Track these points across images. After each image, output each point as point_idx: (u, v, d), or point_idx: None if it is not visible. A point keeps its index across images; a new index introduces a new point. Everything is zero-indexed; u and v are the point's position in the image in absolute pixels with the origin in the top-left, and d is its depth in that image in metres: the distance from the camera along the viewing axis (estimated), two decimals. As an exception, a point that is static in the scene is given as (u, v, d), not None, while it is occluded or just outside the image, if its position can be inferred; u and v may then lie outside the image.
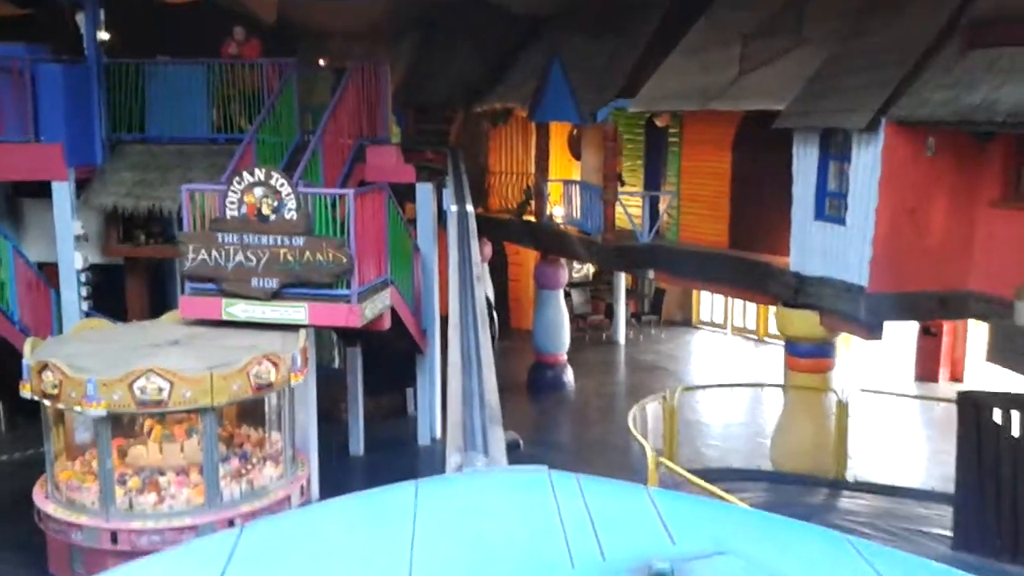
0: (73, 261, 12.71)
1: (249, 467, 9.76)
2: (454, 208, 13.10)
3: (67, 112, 12.79)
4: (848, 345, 17.11)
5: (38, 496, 9.50)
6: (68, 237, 12.68)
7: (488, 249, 18.29)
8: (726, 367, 19.28)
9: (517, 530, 3.25)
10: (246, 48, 14.08)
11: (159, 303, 14.20)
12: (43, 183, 12.68)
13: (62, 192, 12.62)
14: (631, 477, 8.94)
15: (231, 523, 8.77)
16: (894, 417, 14.80)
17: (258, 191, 10.04)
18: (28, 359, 9.25)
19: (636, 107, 13.69)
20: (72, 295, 12.70)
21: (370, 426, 14.27)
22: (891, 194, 9.70)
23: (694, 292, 22.24)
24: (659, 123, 14.30)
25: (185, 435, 9.90)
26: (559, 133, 17.28)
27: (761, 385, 16.13)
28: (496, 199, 18.40)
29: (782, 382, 12.50)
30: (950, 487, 10.38)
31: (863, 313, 10.02)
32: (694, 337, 22.02)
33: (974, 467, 9.77)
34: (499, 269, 20.68)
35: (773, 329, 18.96)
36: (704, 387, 15.92)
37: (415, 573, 2.98)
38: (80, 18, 13.03)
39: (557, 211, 16.38)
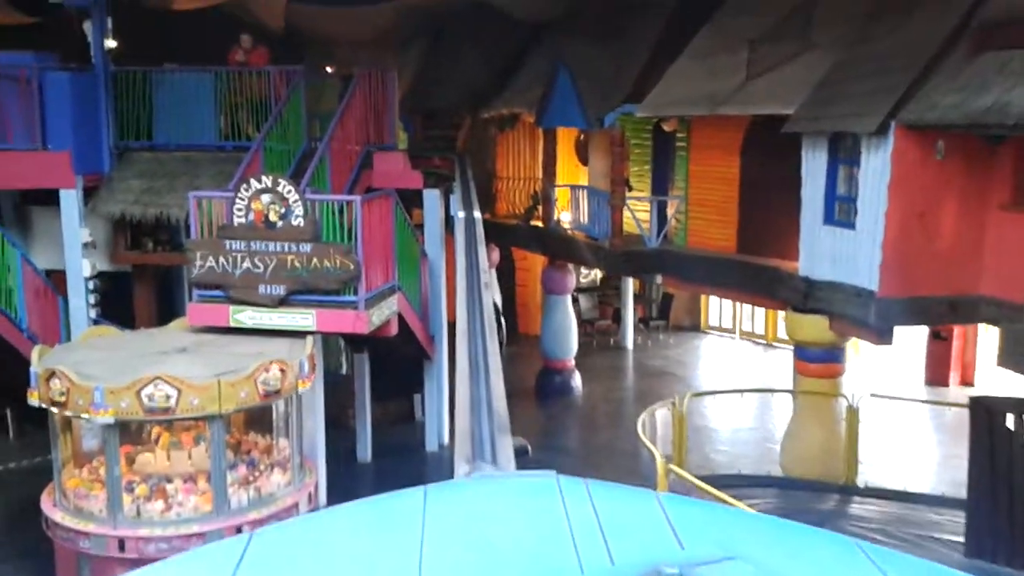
0: (81, 268, 12.73)
1: (257, 474, 9.73)
2: (461, 214, 13.09)
3: (75, 120, 12.80)
4: (857, 350, 17.05)
5: (46, 504, 9.48)
6: (76, 245, 12.70)
7: (496, 254, 18.30)
8: (735, 372, 19.21)
9: (526, 535, 3.23)
10: (253, 55, 14.09)
11: (167, 310, 14.18)
12: (51, 191, 12.70)
13: (70, 200, 12.63)
14: (640, 483, 8.88)
15: (239, 530, 8.74)
16: (904, 422, 14.73)
17: (265, 198, 10.03)
18: (36, 367, 9.24)
19: (643, 112, 13.67)
20: (80, 302, 12.71)
21: (378, 432, 14.25)
22: (901, 198, 9.65)
23: (702, 297, 22.19)
24: (666, 128, 14.28)
25: (193, 442, 9.87)
26: (566, 138, 17.28)
27: (771, 390, 16.08)
28: (503, 204, 18.40)
29: (791, 387, 12.44)
30: (961, 492, 10.31)
31: (873, 318, 9.96)
32: (702, 342, 21.96)
33: (987, 473, 9.69)
34: (507, 274, 20.67)
35: (782, 334, 18.91)
36: (713, 393, 15.86)
37: (424, 578, 2.96)
38: (87, 26, 13.03)
39: (564, 216, 16.36)
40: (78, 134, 12.81)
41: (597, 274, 21.83)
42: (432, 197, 14.28)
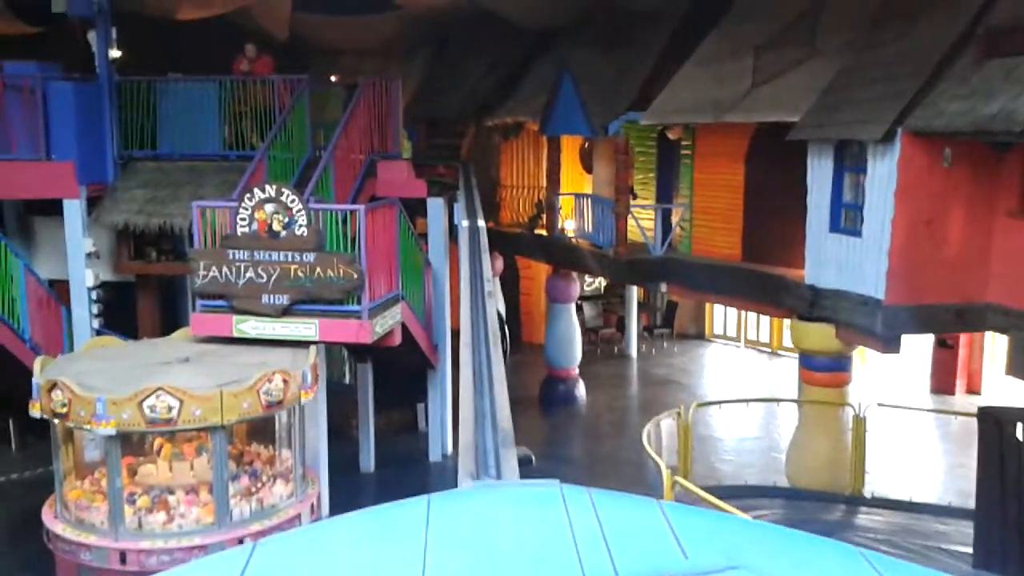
0: (84, 278, 12.72)
1: (259, 485, 9.68)
2: (465, 223, 13.07)
3: (79, 130, 12.81)
4: (864, 358, 16.98)
5: (47, 516, 9.43)
6: (79, 255, 12.70)
7: (500, 263, 18.28)
8: (739, 380, 19.16)
9: (529, 544, 3.20)
10: (258, 65, 14.12)
11: (170, 320, 14.19)
12: (54, 201, 12.70)
13: (73, 210, 12.63)
14: (645, 493, 8.83)
15: (240, 542, 8.69)
16: (911, 431, 14.66)
17: (269, 207, 10.01)
18: (38, 378, 9.21)
19: (648, 120, 13.65)
20: (83, 312, 12.69)
21: (381, 442, 14.21)
22: (907, 205, 9.60)
23: (707, 305, 22.15)
24: (671, 135, 14.25)
25: (195, 453, 9.84)
26: (571, 146, 17.27)
27: (776, 400, 16.01)
28: (508, 213, 18.39)
29: (797, 396, 12.37)
30: (968, 502, 10.23)
31: (880, 326, 9.90)
32: (707, 350, 21.92)
33: (996, 484, 9.61)
34: (511, 283, 20.66)
35: (787, 342, 18.87)
36: (718, 403, 15.80)
37: (426, 589, 2.94)
38: (92, 36, 13.06)
39: (569, 224, 16.34)
40: (82, 144, 12.83)
41: (601, 282, 21.82)
42: (436, 206, 14.27)
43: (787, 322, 12.72)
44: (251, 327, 10.12)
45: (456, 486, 5.31)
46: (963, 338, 17.17)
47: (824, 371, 11.46)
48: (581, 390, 17.81)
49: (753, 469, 13.55)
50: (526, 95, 17.12)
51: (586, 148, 17.45)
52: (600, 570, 3.01)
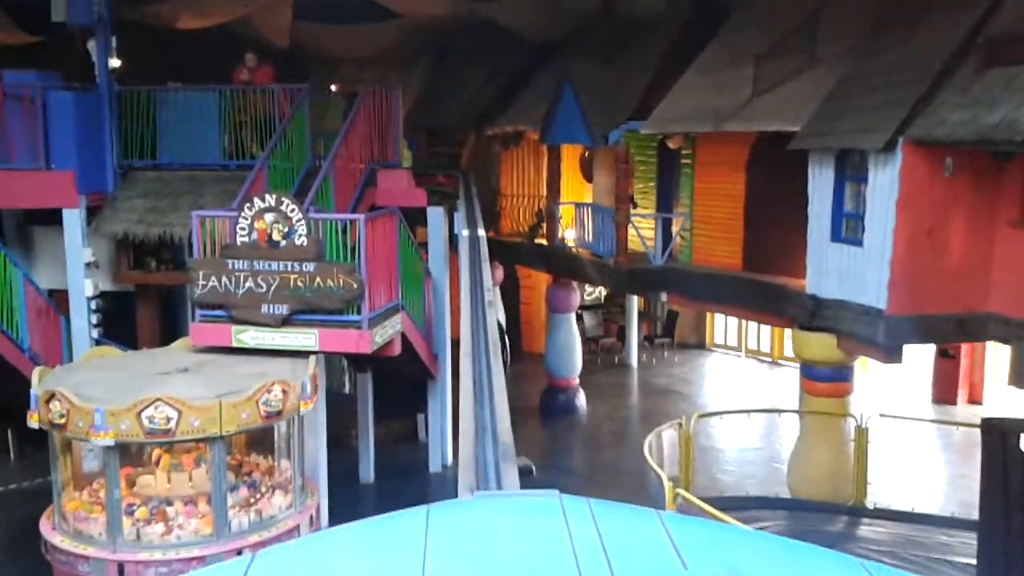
0: (83, 288, 12.70)
1: (258, 496, 9.64)
2: (466, 232, 13.05)
3: (78, 139, 12.80)
4: (865, 368, 16.93)
5: (45, 527, 9.39)
6: (78, 264, 12.68)
7: (500, 272, 18.24)
8: (740, 390, 19.12)
9: (528, 555, 3.18)
10: (258, 74, 14.11)
11: (170, 330, 14.16)
12: (54, 210, 12.68)
13: (73, 219, 12.62)
14: (645, 503, 8.79)
15: (239, 553, 8.64)
16: (913, 441, 14.60)
17: (269, 217, 9.99)
18: (36, 388, 9.17)
19: (648, 129, 13.64)
20: (82, 322, 12.66)
21: (381, 452, 14.16)
22: (909, 215, 9.57)
23: (707, 314, 22.12)
24: (671, 145, 14.24)
25: (193, 464, 9.79)
26: (571, 155, 17.27)
27: (778, 411, 15.96)
28: (508, 222, 18.38)
29: (798, 406, 12.33)
30: (971, 513, 10.17)
31: (881, 336, 9.86)
32: (708, 360, 21.88)
33: (1000, 495, 9.55)
34: (511, 292, 20.63)
35: (788, 351, 18.82)
36: (719, 414, 15.77)
37: (425, 600, 2.92)
38: (91, 45, 13.07)
39: (569, 234, 16.32)
40: (82, 153, 12.82)
41: (601, 292, 21.80)
42: (436, 215, 14.25)
43: (788, 332, 12.67)
44: (250, 337, 10.09)
45: (456, 498, 5.29)
46: (964, 348, 17.14)
47: (826, 381, 11.42)
48: (581, 400, 17.77)
49: (755, 480, 13.50)
50: (526, 104, 17.13)
51: (586, 157, 17.44)
52: (599, 581, 2.98)
